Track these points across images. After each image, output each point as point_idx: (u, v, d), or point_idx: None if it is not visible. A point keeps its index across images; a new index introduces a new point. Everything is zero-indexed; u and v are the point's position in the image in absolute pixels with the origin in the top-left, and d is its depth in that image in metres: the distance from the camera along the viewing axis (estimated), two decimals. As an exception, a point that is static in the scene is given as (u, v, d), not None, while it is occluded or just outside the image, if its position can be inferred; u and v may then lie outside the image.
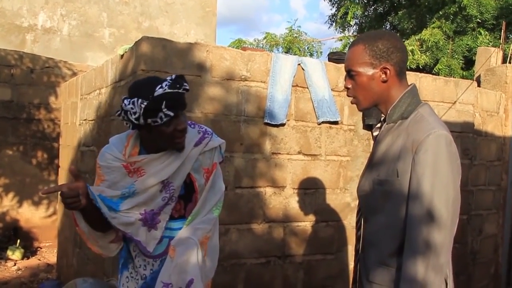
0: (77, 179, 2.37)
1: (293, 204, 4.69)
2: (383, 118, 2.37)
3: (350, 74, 2.30)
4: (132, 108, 2.33)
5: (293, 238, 4.69)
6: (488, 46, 9.11)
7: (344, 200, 4.95)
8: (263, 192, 4.55)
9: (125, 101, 2.37)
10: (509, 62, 6.96)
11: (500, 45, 7.74)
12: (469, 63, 10.41)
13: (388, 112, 2.27)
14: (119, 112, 2.42)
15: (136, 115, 2.33)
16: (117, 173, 2.53)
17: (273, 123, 4.53)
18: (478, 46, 9.88)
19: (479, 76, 6.97)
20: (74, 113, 6.33)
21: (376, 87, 2.25)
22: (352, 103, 2.38)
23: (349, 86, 2.32)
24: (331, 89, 4.81)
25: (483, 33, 10.09)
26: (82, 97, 5.96)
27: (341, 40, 15.55)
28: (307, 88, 4.73)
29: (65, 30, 11.88)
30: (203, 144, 2.67)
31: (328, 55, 5.36)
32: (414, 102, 2.27)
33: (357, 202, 4.96)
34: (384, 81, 2.24)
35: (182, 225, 2.64)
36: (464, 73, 10.19)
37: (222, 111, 4.35)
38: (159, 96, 2.31)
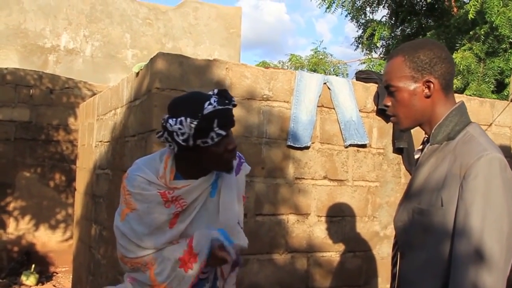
0: None
1: (318, 232, 4.38)
2: (426, 138, 2.08)
3: (389, 90, 2.04)
4: (180, 129, 2.07)
5: (317, 270, 4.37)
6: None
7: (372, 228, 4.62)
8: (285, 219, 4.25)
9: (170, 121, 2.10)
10: (547, 83, 6.60)
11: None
12: (500, 86, 10.02)
13: (433, 131, 1.99)
14: (161, 133, 2.15)
15: (185, 136, 2.07)
16: (151, 202, 2.20)
17: (296, 145, 4.24)
18: (511, 68, 9.51)
19: (514, 98, 6.60)
20: (91, 134, 6.12)
21: (419, 104, 1.99)
22: (392, 122, 2.13)
23: (389, 103, 2.07)
24: (359, 110, 4.52)
25: (515, 54, 9.72)
26: (99, 118, 5.74)
27: (365, 62, 15.28)
28: (334, 108, 4.44)
29: (88, 51, 11.81)
30: (243, 171, 2.46)
31: (356, 73, 5.07)
32: (462, 121, 1.99)
33: (386, 231, 4.70)
34: (428, 97, 1.98)
35: None
36: (494, 96, 9.83)
37: (242, 133, 4.08)
38: (210, 114, 2.06)
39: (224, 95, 2.15)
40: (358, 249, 4.56)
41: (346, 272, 4.49)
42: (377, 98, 4.58)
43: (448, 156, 1.92)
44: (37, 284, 7.92)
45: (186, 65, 3.90)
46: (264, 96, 4.18)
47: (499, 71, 9.67)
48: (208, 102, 2.08)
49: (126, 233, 2.23)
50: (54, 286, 8.05)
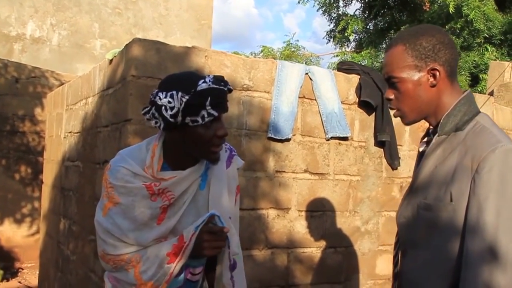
0: None
1: (298, 228, 4.23)
2: (431, 130, 1.94)
3: (391, 82, 1.90)
4: (169, 102, 1.89)
5: (298, 266, 4.23)
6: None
7: (353, 223, 4.49)
8: (265, 214, 4.09)
9: (160, 94, 1.92)
10: (524, 78, 6.58)
11: (515, 59, 7.37)
12: (475, 79, 10.06)
13: (441, 121, 1.84)
14: (147, 109, 1.97)
15: (174, 111, 1.89)
16: (136, 195, 2.02)
17: (277, 137, 4.09)
18: (485, 62, 9.53)
19: (492, 91, 6.57)
20: (59, 125, 5.88)
21: (424, 94, 1.86)
22: (395, 116, 1.97)
23: (391, 96, 1.92)
24: (341, 102, 4.38)
25: (489, 49, 9.76)
26: (68, 108, 5.51)
27: (337, 56, 15.24)
28: (315, 100, 4.30)
29: (55, 40, 11.47)
30: (234, 164, 2.27)
31: (338, 64, 4.94)
32: (471, 110, 1.85)
33: (367, 226, 4.58)
34: (433, 86, 1.84)
35: None
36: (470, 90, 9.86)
37: (221, 124, 3.89)
38: (204, 90, 1.90)
39: (220, 79, 1.99)
40: (339, 245, 4.43)
41: (327, 268, 4.36)
42: (359, 89, 4.45)
43: (458, 148, 1.78)
44: (1, 281, 7.64)
45: (164, 52, 3.71)
46: (244, 86, 4.01)
47: (474, 65, 9.69)
48: (202, 80, 1.92)
49: (109, 229, 2.04)
50: (19, 282, 7.78)
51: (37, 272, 7.27)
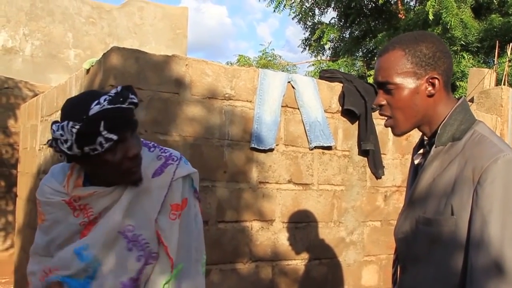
0: None
1: (283, 240, 4.14)
2: (426, 141, 1.85)
3: (385, 88, 1.79)
4: (62, 135, 1.68)
5: (282, 279, 4.13)
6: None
7: (338, 234, 4.41)
8: (249, 226, 3.99)
9: (54, 126, 1.72)
10: (504, 84, 6.58)
11: (494, 66, 7.38)
12: (452, 87, 10.10)
13: (438, 131, 1.75)
14: (50, 142, 1.76)
15: (68, 144, 1.68)
16: (59, 211, 1.90)
17: (260, 148, 4.00)
18: (461, 70, 9.56)
19: (472, 98, 6.56)
20: (34, 137, 5.71)
21: (421, 103, 1.76)
22: (386, 126, 1.86)
23: (383, 102, 1.81)
24: (324, 110, 4.31)
25: (466, 56, 9.81)
26: (43, 119, 5.35)
27: (314, 64, 15.24)
28: (298, 108, 4.22)
29: (28, 50, 11.25)
30: (166, 174, 1.98)
31: (320, 72, 4.86)
32: (467, 119, 1.77)
33: (352, 237, 4.50)
34: (431, 95, 1.75)
35: None
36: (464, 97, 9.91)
37: (203, 134, 3.80)
38: (95, 115, 1.68)
39: (122, 94, 1.77)
40: (323, 256, 4.35)
41: (312, 280, 4.27)
42: (343, 98, 4.38)
43: (457, 158, 1.70)
44: (-26, 298, 7.42)
45: (143, 61, 3.60)
46: (226, 95, 3.92)
47: (450, 72, 9.73)
48: (96, 102, 1.71)
49: (35, 245, 2.02)
50: (-7, 299, 7.55)
51: (12, 288, 7.07)
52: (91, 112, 1.67)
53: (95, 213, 1.88)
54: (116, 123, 1.71)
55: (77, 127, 1.66)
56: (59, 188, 1.91)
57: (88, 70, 3.94)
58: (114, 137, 1.70)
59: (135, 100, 1.77)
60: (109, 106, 1.69)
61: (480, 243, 1.58)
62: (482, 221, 1.58)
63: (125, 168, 1.80)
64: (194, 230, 2.05)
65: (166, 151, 2.04)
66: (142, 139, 1.97)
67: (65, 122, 1.68)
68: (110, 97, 1.72)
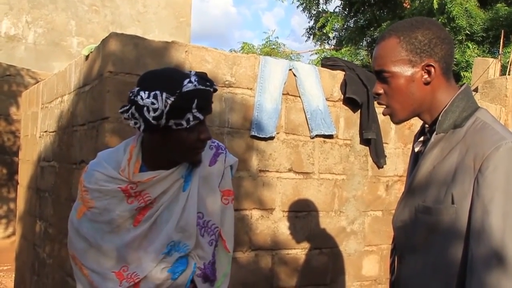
0: None
1: (283, 229, 4.11)
2: (427, 129, 1.82)
3: (381, 77, 1.77)
4: (153, 103, 1.74)
5: (282, 268, 4.11)
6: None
7: (339, 224, 4.38)
8: (249, 215, 3.97)
9: (142, 93, 1.76)
10: (509, 74, 6.52)
11: (499, 56, 7.31)
12: (456, 77, 10.02)
13: (439, 118, 1.72)
14: (126, 108, 1.81)
15: (158, 113, 1.74)
16: (111, 198, 1.91)
17: (261, 135, 3.96)
18: (466, 60, 9.49)
19: (477, 88, 6.51)
20: (35, 124, 5.69)
21: (417, 91, 1.73)
22: (384, 114, 1.84)
23: (380, 91, 1.79)
24: (326, 99, 4.26)
25: (471, 46, 9.72)
26: (43, 106, 5.33)
27: (317, 53, 15.18)
28: (299, 97, 4.18)
29: (31, 38, 11.22)
30: (219, 162, 2.10)
31: (322, 60, 4.81)
32: (469, 106, 1.73)
33: (353, 226, 4.46)
34: (427, 83, 1.72)
35: None
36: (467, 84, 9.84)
37: (203, 122, 3.75)
38: (190, 92, 1.76)
39: (204, 77, 1.84)
40: (324, 246, 4.32)
41: (312, 270, 4.24)
42: (345, 86, 4.34)
43: (458, 146, 1.66)
44: (-24, 285, 7.43)
45: (142, 47, 3.56)
46: (226, 82, 3.88)
47: (455, 62, 9.65)
48: (188, 80, 1.77)
49: (84, 233, 1.96)
50: (-6, 286, 7.57)
51: (13, 275, 7.07)
52: (185, 88, 1.76)
53: (152, 198, 1.92)
54: (204, 104, 1.81)
55: (172, 99, 1.74)
56: (115, 174, 1.91)
57: (87, 57, 3.90)
58: (201, 116, 1.80)
59: (216, 87, 1.89)
60: (200, 87, 1.78)
61: (481, 233, 1.55)
62: (483, 210, 1.55)
63: (193, 147, 1.88)
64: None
65: (213, 141, 2.13)
66: None
67: (158, 92, 1.74)
68: (199, 79, 1.80)
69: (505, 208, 1.53)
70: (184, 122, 1.77)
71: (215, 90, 1.87)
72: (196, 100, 1.76)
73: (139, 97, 1.76)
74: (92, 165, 1.99)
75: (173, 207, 1.95)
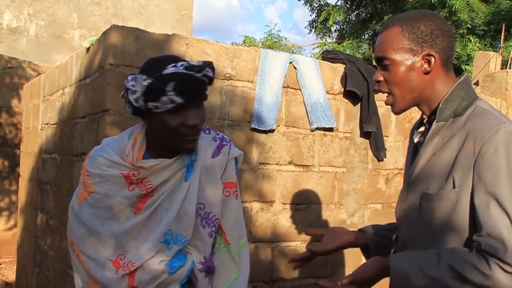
0: None
1: (283, 221, 4.13)
2: (426, 119, 1.84)
3: (382, 64, 1.80)
4: (133, 86, 1.81)
5: (282, 260, 4.13)
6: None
7: (339, 216, 4.39)
8: (249, 207, 3.99)
9: (129, 77, 1.84)
10: (509, 68, 6.52)
11: (500, 50, 7.31)
12: (456, 71, 10.01)
13: (440, 106, 1.75)
14: (123, 92, 1.89)
15: (136, 95, 1.80)
16: (113, 184, 1.94)
17: (261, 128, 3.97)
18: (467, 53, 9.48)
19: (477, 82, 6.51)
20: (36, 116, 5.71)
21: (417, 80, 1.77)
22: (386, 103, 1.87)
23: (381, 78, 1.83)
24: (326, 92, 4.27)
25: (472, 40, 9.72)
26: (45, 99, 5.34)
27: (319, 46, 15.16)
28: (300, 89, 4.19)
29: (32, 30, 11.21)
30: (223, 154, 2.09)
31: (323, 53, 4.82)
32: (469, 95, 1.78)
33: (353, 219, 4.48)
34: (427, 73, 1.76)
35: None
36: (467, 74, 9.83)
37: (203, 114, 3.77)
38: (168, 75, 1.77)
39: (199, 65, 1.84)
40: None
41: (311, 262, 4.24)
42: (345, 79, 4.34)
43: (458, 133, 1.70)
44: (-22, 276, 7.45)
45: (143, 39, 3.57)
46: (227, 75, 3.89)
47: (456, 56, 9.64)
48: (173, 64, 1.80)
49: (83, 218, 1.99)
50: (-4, 277, 7.59)
51: (15, 267, 7.10)
52: (165, 71, 1.78)
53: (154, 186, 1.93)
54: (184, 88, 1.79)
55: (148, 81, 1.77)
56: (118, 160, 1.93)
57: (88, 49, 3.91)
58: (179, 100, 1.79)
59: (210, 74, 1.87)
60: (182, 71, 1.78)
61: (486, 215, 1.58)
62: (487, 192, 1.58)
63: (180, 133, 1.86)
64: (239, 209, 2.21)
65: (218, 133, 2.14)
66: None
67: (139, 75, 1.80)
68: (187, 65, 1.81)
69: (508, 188, 1.56)
70: (159, 105, 1.78)
71: (208, 78, 1.87)
72: (173, 83, 1.76)
73: (126, 80, 1.84)
74: (96, 150, 2.02)
75: (174, 197, 1.96)
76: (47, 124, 5.14)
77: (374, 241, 2.11)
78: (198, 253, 2.02)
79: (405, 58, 1.75)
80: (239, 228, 2.15)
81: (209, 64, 1.88)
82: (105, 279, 1.95)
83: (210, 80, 1.89)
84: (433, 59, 1.73)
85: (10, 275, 7.60)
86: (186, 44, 3.73)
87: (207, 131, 2.10)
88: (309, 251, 2.13)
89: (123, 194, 1.92)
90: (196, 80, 1.82)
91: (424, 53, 1.74)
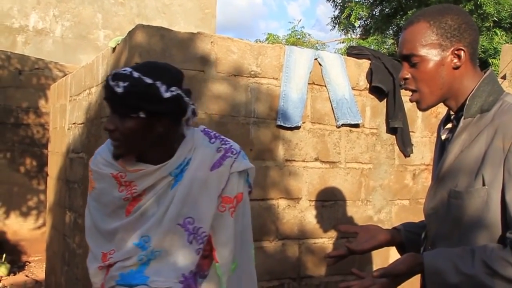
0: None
1: (310, 218, 4.12)
2: (453, 116, 1.82)
3: (410, 61, 1.77)
4: None
5: (309, 257, 4.12)
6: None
7: (366, 213, 4.37)
8: (275, 204, 3.98)
9: None
10: (538, 61, 6.43)
11: (528, 42, 7.22)
12: (483, 65, 9.90)
13: (467, 103, 1.73)
14: None
15: None
16: (106, 183, 1.99)
17: (287, 125, 3.97)
18: (494, 47, 9.37)
19: (505, 75, 6.43)
20: (63, 116, 5.77)
21: (446, 76, 1.74)
22: (411, 101, 1.84)
23: (408, 76, 1.80)
24: (352, 88, 4.25)
25: (499, 33, 9.59)
26: (72, 99, 5.39)
27: (343, 42, 15.08)
28: (325, 86, 4.17)
29: (58, 31, 11.34)
30: (224, 167, 1.96)
31: (348, 49, 4.80)
32: (495, 90, 1.75)
33: (380, 215, 4.45)
34: (457, 67, 1.73)
35: None
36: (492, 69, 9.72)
37: (228, 112, 3.78)
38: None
39: (116, 76, 1.83)
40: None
41: (339, 259, 4.24)
42: (370, 75, 4.32)
43: (486, 129, 1.67)
44: (8, 275, 7.54)
45: (168, 38, 3.59)
46: (252, 73, 3.89)
47: (482, 49, 9.53)
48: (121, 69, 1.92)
49: (91, 211, 2.08)
50: (26, 276, 7.68)
51: (44, 266, 7.19)
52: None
53: (139, 190, 1.93)
54: (105, 95, 1.87)
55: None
56: (112, 160, 1.98)
57: (114, 49, 3.94)
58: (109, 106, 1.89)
59: (116, 89, 1.78)
60: (108, 77, 1.85)
61: None
62: None
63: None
64: (247, 225, 2.13)
65: (226, 143, 2.03)
66: (205, 129, 2.05)
67: None
68: (116, 72, 1.84)
69: None
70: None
71: (110, 88, 1.82)
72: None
73: None
74: (99, 149, 2.09)
75: (160, 204, 1.94)
76: (74, 123, 5.19)
77: (409, 239, 2.10)
78: (174, 271, 1.91)
79: (435, 54, 1.72)
80: (231, 248, 1.99)
81: (124, 78, 1.81)
82: (91, 269, 2.04)
83: (127, 94, 1.80)
84: (462, 54, 1.70)
85: (40, 273, 7.69)
86: (211, 42, 3.74)
87: (212, 140, 2.01)
88: (347, 249, 2.08)
89: (114, 194, 1.96)
90: (107, 89, 1.85)
91: (453, 48, 1.71)
